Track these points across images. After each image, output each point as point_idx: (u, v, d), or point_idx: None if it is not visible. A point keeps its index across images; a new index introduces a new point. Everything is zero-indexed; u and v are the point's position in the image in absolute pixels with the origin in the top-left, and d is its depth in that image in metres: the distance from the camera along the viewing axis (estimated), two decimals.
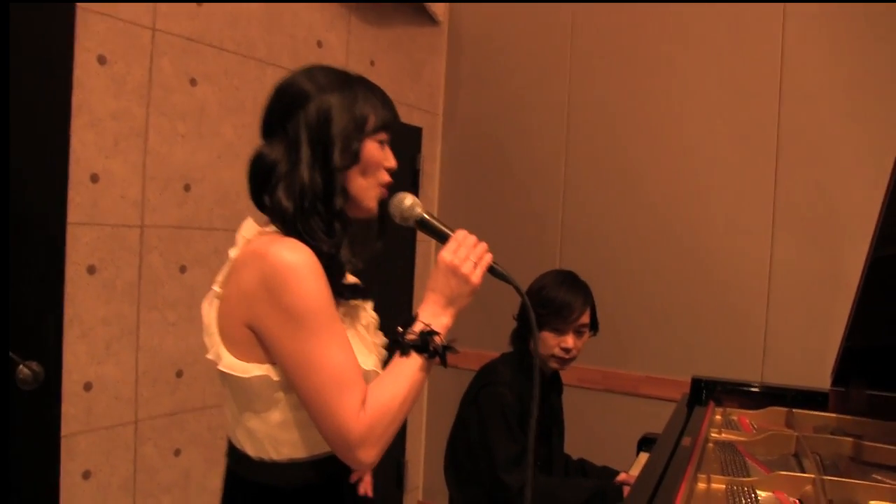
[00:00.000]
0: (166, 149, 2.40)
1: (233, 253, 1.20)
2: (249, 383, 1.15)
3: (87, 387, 2.18)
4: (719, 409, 2.08)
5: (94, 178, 2.19)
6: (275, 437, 1.18)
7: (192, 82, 2.49)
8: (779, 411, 1.96)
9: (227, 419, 1.26)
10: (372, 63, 3.36)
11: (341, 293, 1.20)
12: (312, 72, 1.24)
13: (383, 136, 1.24)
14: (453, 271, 1.19)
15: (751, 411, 2.03)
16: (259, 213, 1.27)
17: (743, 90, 2.96)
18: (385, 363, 1.23)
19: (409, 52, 3.60)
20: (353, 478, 1.29)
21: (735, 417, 2.03)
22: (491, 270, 1.23)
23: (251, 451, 1.21)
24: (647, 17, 3.16)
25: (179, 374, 2.45)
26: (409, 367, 1.15)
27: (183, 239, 2.46)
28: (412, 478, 3.76)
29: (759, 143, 2.93)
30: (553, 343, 2.13)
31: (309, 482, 1.22)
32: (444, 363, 1.19)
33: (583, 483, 2.10)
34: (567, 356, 2.15)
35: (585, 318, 2.17)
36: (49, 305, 2.08)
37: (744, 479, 1.47)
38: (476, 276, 1.20)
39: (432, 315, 1.19)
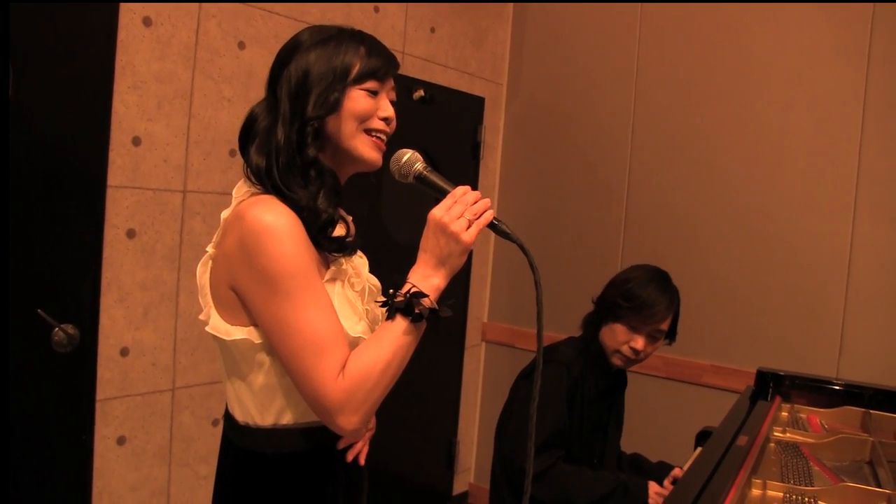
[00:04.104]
0: (211, 113, 2.35)
1: (224, 214, 1.18)
2: (234, 345, 1.13)
3: (124, 352, 2.16)
4: (786, 406, 1.90)
5: (136, 141, 2.15)
6: (260, 401, 1.16)
7: (241, 46, 2.42)
8: (854, 412, 1.79)
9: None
10: (432, 30, 3.23)
11: (320, 244, 1.15)
12: (302, 32, 1.23)
13: (372, 84, 1.20)
14: (442, 229, 1.12)
15: (822, 410, 1.86)
16: None
17: (826, 59, 2.72)
18: None
19: (471, 19, 3.45)
20: (340, 444, 1.23)
21: (804, 415, 1.86)
22: (493, 228, 1.16)
23: (238, 415, 1.19)
24: None
25: None
26: (393, 330, 1.10)
27: (227, 205, 2.40)
28: (464, 459, 3.67)
29: (842, 116, 2.69)
30: (623, 339, 1.96)
31: (294, 449, 1.18)
32: (434, 327, 1.12)
33: (604, 476, 1.93)
34: (634, 357, 1.98)
35: (665, 324, 1.98)
36: (86, 269, 2.06)
37: (805, 488, 1.31)
38: (468, 235, 1.12)
39: (422, 277, 1.13)
